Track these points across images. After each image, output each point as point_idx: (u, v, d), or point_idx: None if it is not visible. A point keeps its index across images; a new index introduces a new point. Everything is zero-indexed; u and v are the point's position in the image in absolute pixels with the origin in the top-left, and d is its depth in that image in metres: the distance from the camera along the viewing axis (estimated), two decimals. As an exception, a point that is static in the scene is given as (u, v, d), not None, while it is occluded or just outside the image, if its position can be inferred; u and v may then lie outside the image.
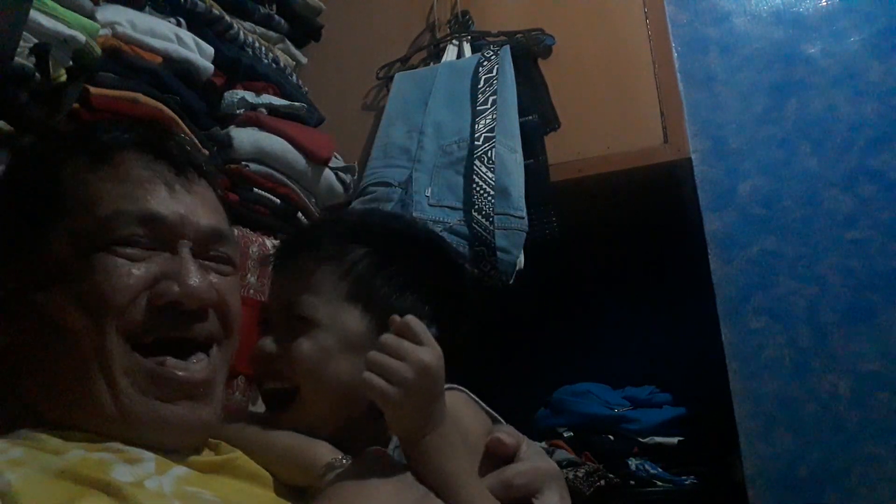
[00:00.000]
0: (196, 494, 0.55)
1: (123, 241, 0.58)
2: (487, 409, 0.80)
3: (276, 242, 1.16)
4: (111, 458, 0.54)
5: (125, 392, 0.57)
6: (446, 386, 0.70)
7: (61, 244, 0.58)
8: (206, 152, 1.17)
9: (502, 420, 0.81)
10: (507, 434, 0.74)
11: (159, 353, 0.59)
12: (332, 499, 0.60)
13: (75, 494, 0.49)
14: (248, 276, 1.18)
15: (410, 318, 0.65)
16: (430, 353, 0.63)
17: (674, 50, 1.56)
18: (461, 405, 0.77)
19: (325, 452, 0.68)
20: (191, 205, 0.63)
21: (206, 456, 0.63)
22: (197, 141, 1.14)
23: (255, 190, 1.28)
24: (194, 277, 0.60)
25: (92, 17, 0.96)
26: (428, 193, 1.42)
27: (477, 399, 0.80)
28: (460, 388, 0.80)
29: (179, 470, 0.57)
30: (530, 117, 1.51)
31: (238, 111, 1.29)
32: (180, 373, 0.59)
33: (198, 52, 1.19)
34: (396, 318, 0.65)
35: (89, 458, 0.53)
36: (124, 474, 0.52)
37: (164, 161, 0.63)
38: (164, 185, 0.62)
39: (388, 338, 0.64)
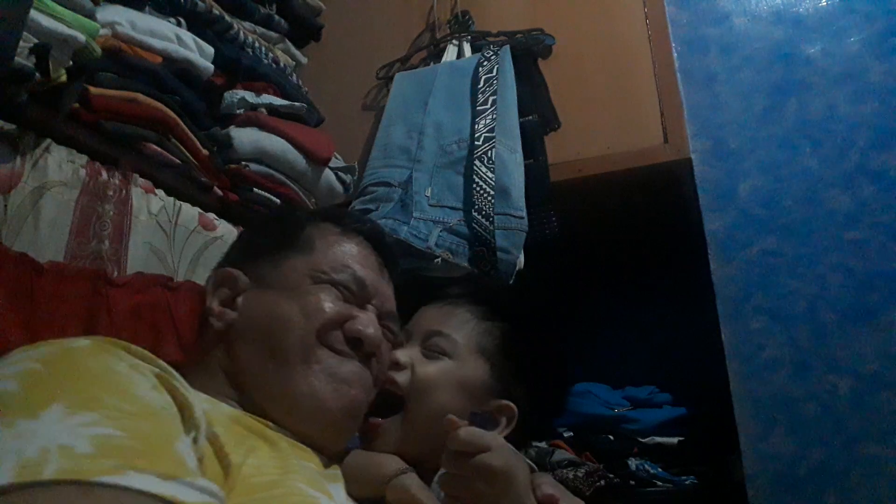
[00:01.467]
0: (321, 482, 0.68)
1: (341, 284, 0.81)
2: (524, 458, 0.83)
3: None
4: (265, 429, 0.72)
5: (316, 375, 0.76)
6: None
7: (298, 269, 0.81)
8: (206, 152, 1.17)
9: (536, 467, 0.89)
10: (552, 485, 0.78)
11: None
12: None
13: (246, 438, 0.66)
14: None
15: (465, 432, 0.68)
16: (496, 456, 0.67)
17: (674, 50, 1.56)
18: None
19: (392, 463, 0.77)
20: (384, 288, 0.87)
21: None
22: (197, 141, 1.14)
23: (255, 190, 1.28)
24: (375, 329, 0.81)
25: (92, 17, 0.96)
26: (428, 193, 1.42)
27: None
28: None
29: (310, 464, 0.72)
30: (530, 117, 1.51)
31: (238, 111, 1.29)
32: (364, 372, 0.80)
33: (198, 52, 1.19)
34: (459, 433, 0.68)
35: (250, 418, 0.72)
36: (275, 436, 0.71)
37: (381, 255, 0.90)
38: (376, 270, 0.86)
39: (454, 459, 0.68)
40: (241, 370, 0.77)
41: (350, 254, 0.85)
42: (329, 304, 0.79)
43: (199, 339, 0.82)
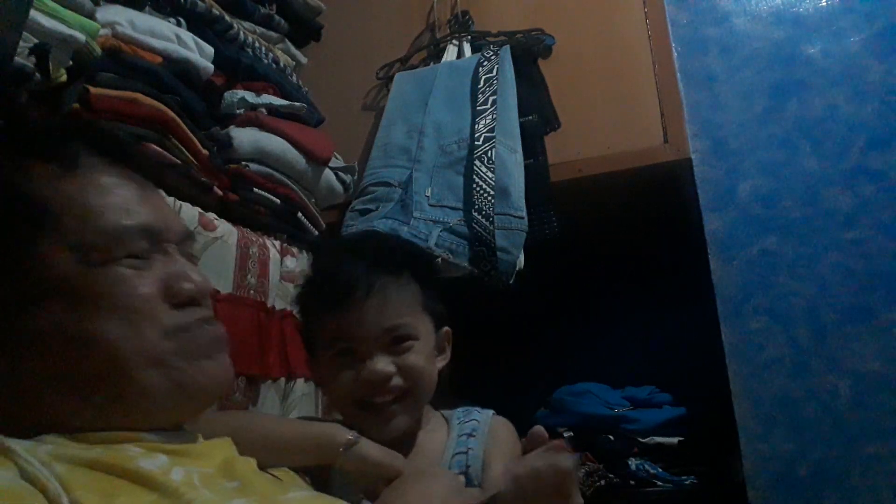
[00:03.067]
0: (218, 482, 0.60)
1: (133, 255, 0.62)
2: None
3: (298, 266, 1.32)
4: (134, 451, 0.58)
5: (175, 366, 0.62)
6: (492, 413, 0.96)
7: (57, 258, 0.58)
8: (206, 152, 1.17)
9: None
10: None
11: None
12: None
13: (114, 485, 0.53)
14: (249, 276, 1.18)
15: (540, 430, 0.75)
16: (567, 458, 0.72)
17: (674, 50, 1.56)
18: (512, 434, 0.94)
19: (340, 432, 0.79)
20: (163, 209, 0.68)
21: (205, 447, 0.66)
22: (197, 141, 1.14)
23: (255, 190, 1.28)
24: (196, 273, 0.66)
25: (92, 17, 0.96)
26: (428, 193, 1.42)
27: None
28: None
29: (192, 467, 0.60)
30: (530, 117, 1.51)
31: (238, 111, 1.29)
32: (216, 332, 0.67)
33: (198, 52, 1.19)
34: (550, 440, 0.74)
35: (112, 450, 0.57)
36: (149, 465, 0.56)
37: (127, 166, 0.67)
38: (141, 194, 0.66)
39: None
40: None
41: (110, 198, 0.63)
42: (135, 287, 0.61)
43: None
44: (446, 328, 0.97)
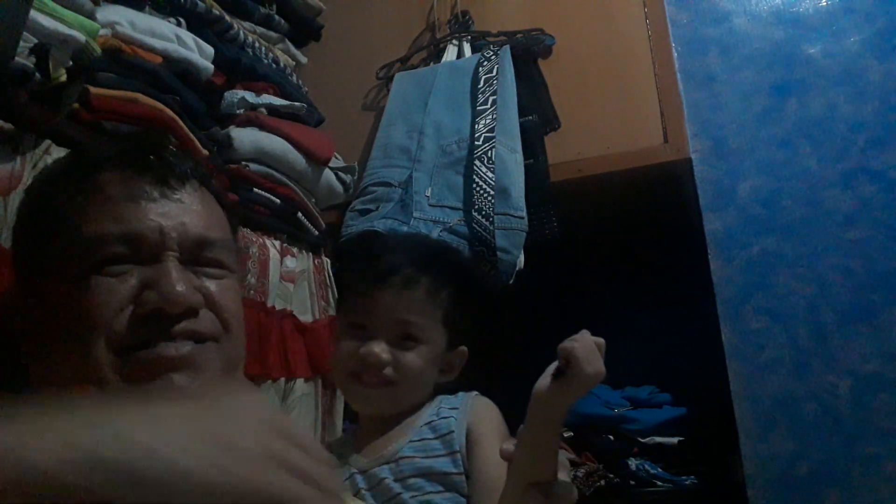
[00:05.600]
0: None
1: (109, 261, 0.61)
2: None
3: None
4: None
5: (117, 388, 0.58)
6: (475, 394, 0.98)
7: (54, 268, 0.62)
8: (206, 152, 1.17)
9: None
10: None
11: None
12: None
13: None
14: (249, 276, 1.18)
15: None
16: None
17: (674, 50, 1.56)
18: (497, 414, 0.96)
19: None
20: (174, 215, 0.64)
21: None
22: (196, 141, 1.14)
23: (255, 190, 1.28)
24: (175, 284, 0.61)
25: (92, 17, 0.96)
26: (428, 193, 1.42)
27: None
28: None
29: None
30: (530, 117, 1.51)
31: (238, 111, 1.29)
32: (167, 351, 0.61)
33: (198, 52, 1.18)
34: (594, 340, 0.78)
35: None
36: None
37: (146, 175, 0.65)
38: (143, 201, 0.64)
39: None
40: None
41: (104, 206, 0.63)
42: (102, 296, 0.61)
43: None
44: (462, 347, 1.00)
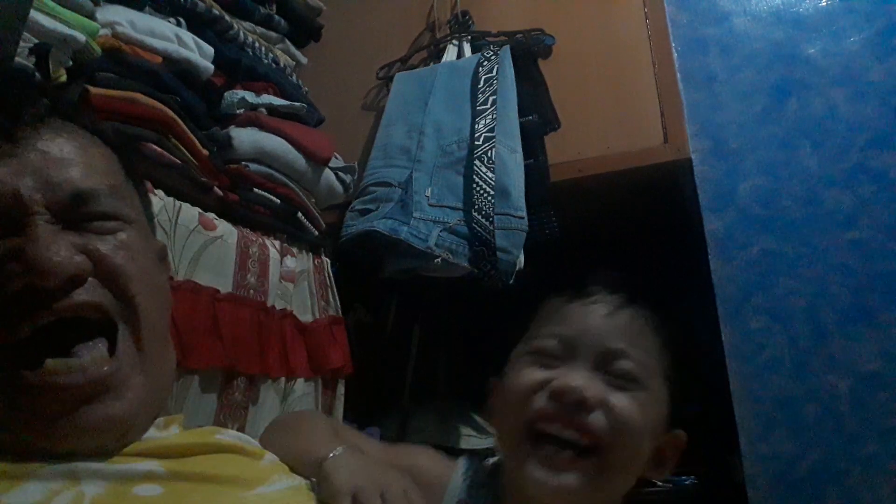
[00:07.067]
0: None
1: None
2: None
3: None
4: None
5: (7, 420, 0.50)
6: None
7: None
8: (206, 152, 1.17)
9: None
10: None
11: (39, 352, 0.51)
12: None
13: None
14: (248, 276, 1.18)
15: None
16: None
17: (674, 50, 1.56)
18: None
19: (325, 443, 0.68)
20: (34, 170, 0.52)
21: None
22: (197, 141, 1.15)
23: (255, 190, 1.28)
24: (41, 250, 0.49)
25: (92, 17, 0.96)
26: (428, 193, 1.42)
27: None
28: None
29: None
30: (530, 117, 1.51)
31: (238, 111, 1.29)
32: (61, 379, 0.50)
33: (198, 52, 1.19)
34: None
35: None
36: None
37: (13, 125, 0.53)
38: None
39: None
40: None
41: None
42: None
43: None
44: (680, 432, 0.76)
